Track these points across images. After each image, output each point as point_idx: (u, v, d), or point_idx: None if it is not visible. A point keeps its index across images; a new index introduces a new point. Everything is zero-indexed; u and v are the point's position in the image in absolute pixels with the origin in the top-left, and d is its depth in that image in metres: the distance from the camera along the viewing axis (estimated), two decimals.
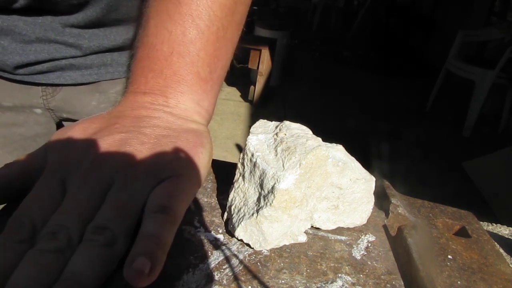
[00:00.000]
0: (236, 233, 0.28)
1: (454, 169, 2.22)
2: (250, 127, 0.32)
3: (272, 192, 0.27)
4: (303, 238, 0.30)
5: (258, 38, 2.80)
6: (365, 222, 0.33)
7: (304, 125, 0.32)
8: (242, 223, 0.28)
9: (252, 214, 0.28)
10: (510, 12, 3.56)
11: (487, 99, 2.65)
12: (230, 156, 2.13)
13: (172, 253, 0.27)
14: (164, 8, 0.33)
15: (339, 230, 0.32)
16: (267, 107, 2.73)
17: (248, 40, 2.72)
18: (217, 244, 0.28)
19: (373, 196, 0.34)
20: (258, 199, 0.29)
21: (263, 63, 2.61)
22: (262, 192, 0.28)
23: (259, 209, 0.28)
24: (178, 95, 0.33)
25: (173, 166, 0.27)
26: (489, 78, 2.58)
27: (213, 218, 0.31)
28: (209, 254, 0.27)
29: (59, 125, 0.55)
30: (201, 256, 0.27)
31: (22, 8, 0.41)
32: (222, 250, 0.28)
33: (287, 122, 0.32)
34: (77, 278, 0.21)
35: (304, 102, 2.92)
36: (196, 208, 0.32)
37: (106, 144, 0.28)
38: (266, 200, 0.28)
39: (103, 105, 0.52)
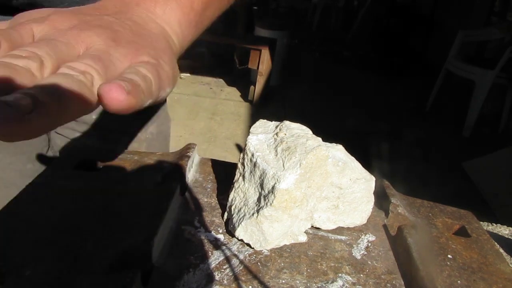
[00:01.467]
0: (237, 233, 0.28)
1: (454, 169, 2.22)
2: (250, 127, 0.33)
3: (272, 192, 0.27)
4: (303, 238, 0.30)
5: (258, 38, 2.80)
6: (365, 221, 0.33)
7: (304, 125, 0.32)
8: (242, 223, 0.28)
9: (253, 214, 0.28)
10: (510, 12, 3.56)
11: (487, 99, 2.64)
12: (230, 156, 2.13)
13: (172, 253, 0.27)
14: None
15: (339, 230, 0.32)
16: (267, 107, 2.73)
17: (248, 40, 2.73)
18: (217, 244, 0.28)
19: (373, 196, 0.34)
20: (259, 199, 0.29)
21: (263, 63, 2.61)
22: (263, 192, 0.28)
23: (260, 209, 0.28)
24: (167, 7, 0.32)
25: (152, 54, 0.26)
26: (489, 78, 2.57)
27: (213, 218, 0.31)
28: (210, 254, 0.27)
29: None
30: (202, 256, 0.27)
31: (21, 6, 0.40)
32: (223, 250, 0.28)
33: (287, 122, 0.32)
34: (50, 87, 0.18)
35: (304, 102, 2.92)
36: (196, 208, 0.32)
37: (87, 20, 0.25)
38: (267, 200, 0.28)
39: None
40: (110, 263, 0.24)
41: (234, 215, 0.29)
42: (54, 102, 0.17)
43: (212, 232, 0.30)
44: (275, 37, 2.80)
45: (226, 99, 2.84)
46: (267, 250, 0.29)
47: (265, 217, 0.27)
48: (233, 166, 0.38)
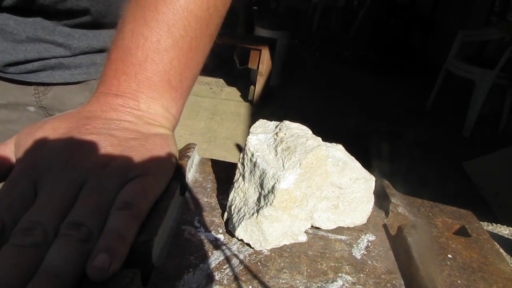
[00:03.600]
0: (237, 233, 0.28)
1: (454, 169, 2.22)
2: (250, 127, 0.33)
3: (272, 192, 0.27)
4: (303, 238, 0.30)
5: (258, 38, 2.80)
6: (365, 221, 0.33)
7: (304, 125, 0.32)
8: (242, 223, 0.28)
9: (252, 214, 0.28)
10: (510, 12, 3.56)
11: (487, 99, 2.65)
12: (230, 156, 2.13)
13: (172, 253, 0.27)
14: (142, 14, 0.34)
15: (339, 230, 0.32)
16: (267, 107, 2.73)
17: (248, 40, 2.73)
18: (217, 244, 0.28)
19: (373, 196, 0.34)
20: (258, 199, 0.29)
21: (263, 63, 2.61)
22: (262, 192, 0.28)
23: (259, 209, 0.28)
24: (149, 100, 0.34)
25: (140, 166, 0.29)
26: (489, 78, 2.58)
27: (213, 218, 0.31)
28: (210, 254, 0.27)
29: None
30: (202, 256, 0.27)
31: (12, 7, 0.41)
32: (223, 250, 0.28)
33: (287, 122, 0.32)
34: (54, 271, 0.21)
35: (304, 102, 2.92)
36: (196, 208, 0.32)
37: (78, 145, 0.28)
38: (266, 200, 0.28)
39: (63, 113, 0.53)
40: None
41: (234, 215, 0.29)
42: (56, 285, 0.21)
43: (212, 232, 0.30)
44: (275, 37, 2.80)
45: (226, 99, 2.84)
46: (267, 250, 0.29)
47: (265, 217, 0.27)
48: (233, 166, 0.38)
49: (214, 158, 0.40)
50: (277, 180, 0.27)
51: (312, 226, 0.32)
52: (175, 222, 0.30)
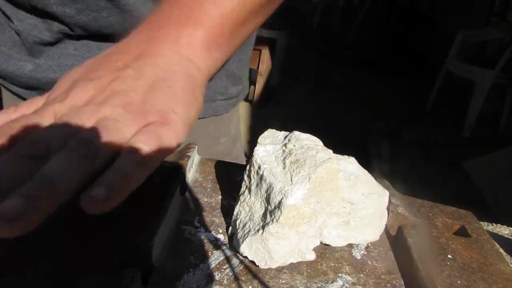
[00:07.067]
0: (241, 250, 0.27)
1: (454, 169, 2.22)
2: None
3: (279, 207, 0.26)
4: (311, 256, 0.28)
5: (258, 38, 2.79)
6: (377, 238, 0.32)
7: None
8: (247, 239, 0.27)
9: (258, 230, 0.27)
10: (510, 12, 3.56)
11: (487, 99, 2.64)
12: None
13: (172, 253, 0.27)
14: None
15: None
16: (267, 107, 2.73)
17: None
18: (217, 244, 0.28)
19: (386, 211, 0.32)
20: (264, 214, 0.27)
21: (263, 63, 2.60)
22: (269, 207, 0.27)
23: (265, 225, 0.26)
24: (192, 36, 0.32)
25: (160, 112, 0.28)
26: (489, 78, 2.57)
27: (213, 218, 0.31)
28: (210, 254, 0.27)
29: None
30: (202, 256, 0.27)
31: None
32: (223, 250, 0.28)
33: (296, 133, 0.30)
34: (48, 179, 0.20)
35: (304, 102, 2.91)
36: (196, 208, 0.32)
37: (103, 82, 0.28)
38: (273, 216, 0.26)
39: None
40: (110, 263, 0.24)
41: (238, 230, 0.28)
42: (48, 193, 0.20)
43: (212, 232, 0.30)
44: (275, 37, 2.80)
45: None
46: None
47: (271, 233, 0.26)
48: (233, 166, 0.38)
49: (213, 158, 0.40)
50: (285, 195, 0.26)
51: (321, 243, 0.30)
52: (175, 222, 0.30)
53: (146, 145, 0.25)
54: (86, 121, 0.25)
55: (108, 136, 0.24)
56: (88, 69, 0.30)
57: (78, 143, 0.23)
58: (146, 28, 0.33)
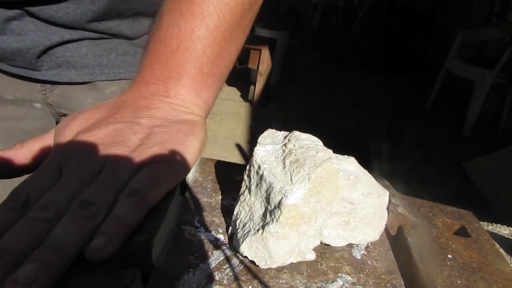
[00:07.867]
0: (241, 250, 0.27)
1: (454, 169, 2.22)
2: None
3: (279, 207, 0.26)
4: (311, 256, 0.28)
5: (258, 38, 2.80)
6: (377, 238, 0.32)
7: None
8: (247, 239, 0.27)
9: (258, 230, 0.27)
10: (510, 12, 3.56)
11: (487, 99, 2.64)
12: (230, 156, 2.13)
13: (172, 253, 0.27)
14: (178, 6, 0.36)
15: None
16: (267, 107, 2.73)
17: (248, 40, 2.72)
18: (217, 244, 0.28)
19: (386, 211, 0.32)
20: (264, 214, 0.27)
21: (263, 63, 2.61)
22: (269, 206, 0.27)
23: (265, 225, 0.27)
24: (178, 86, 0.35)
25: (157, 153, 0.29)
26: (489, 78, 2.57)
27: (213, 218, 0.31)
28: (210, 254, 0.27)
29: (58, 122, 0.56)
30: (202, 256, 0.27)
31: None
32: (223, 250, 0.28)
33: (296, 133, 0.31)
34: (56, 242, 0.23)
35: (304, 102, 2.92)
36: (196, 208, 0.32)
37: (102, 134, 0.30)
38: (273, 216, 0.26)
39: (99, 103, 0.54)
40: (110, 263, 0.24)
41: (238, 230, 0.28)
42: (58, 255, 0.22)
43: (212, 232, 0.30)
44: (275, 37, 2.80)
45: (226, 99, 2.84)
46: None
47: (271, 233, 0.26)
48: (233, 166, 0.38)
49: (214, 158, 0.40)
50: (284, 194, 0.26)
51: (321, 243, 0.30)
52: (175, 222, 0.30)
53: (141, 185, 0.27)
54: (89, 175, 0.27)
55: (108, 187, 0.27)
56: (88, 122, 0.32)
57: (79, 206, 0.25)
58: (137, 86, 0.36)
